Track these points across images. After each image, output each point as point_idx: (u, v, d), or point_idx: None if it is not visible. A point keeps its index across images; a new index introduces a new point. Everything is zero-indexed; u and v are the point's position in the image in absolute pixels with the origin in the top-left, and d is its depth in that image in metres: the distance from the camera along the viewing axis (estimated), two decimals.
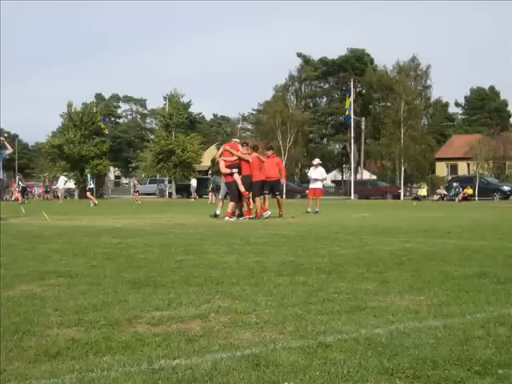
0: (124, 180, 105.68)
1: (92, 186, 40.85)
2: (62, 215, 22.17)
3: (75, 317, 4.80)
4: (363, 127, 70.09)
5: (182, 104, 71.63)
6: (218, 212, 19.67)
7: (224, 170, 18.84)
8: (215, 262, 8.05)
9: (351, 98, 60.36)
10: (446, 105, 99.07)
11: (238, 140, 20.89)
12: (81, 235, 12.63)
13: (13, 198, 53.96)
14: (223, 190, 20.10)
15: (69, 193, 61.80)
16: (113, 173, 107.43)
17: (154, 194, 71.58)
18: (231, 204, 18.65)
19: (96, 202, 37.16)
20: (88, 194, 38.97)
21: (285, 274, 6.99)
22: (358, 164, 75.36)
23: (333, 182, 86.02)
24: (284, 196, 47.07)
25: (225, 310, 5.10)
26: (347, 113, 60.80)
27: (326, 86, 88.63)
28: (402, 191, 60.52)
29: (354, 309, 5.09)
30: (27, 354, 3.80)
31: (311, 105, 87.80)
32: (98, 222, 17.91)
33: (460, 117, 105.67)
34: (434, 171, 76.06)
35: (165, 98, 72.57)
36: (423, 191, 59.33)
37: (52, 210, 26.40)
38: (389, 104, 69.31)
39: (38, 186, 71.82)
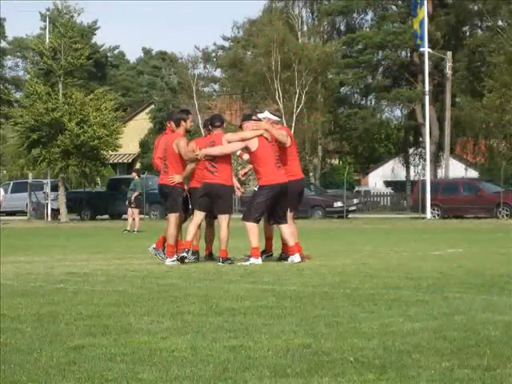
0: None
1: None
2: None
3: None
4: (448, 71, 38.98)
5: (79, 29, 44.29)
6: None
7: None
8: (148, 351, 5.03)
9: (424, 11, 34.87)
10: None
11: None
12: None
13: None
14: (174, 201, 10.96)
15: None
16: None
17: (22, 211, 42.90)
18: (190, 230, 10.94)
19: None
20: None
21: (291, 374, 4.32)
22: (438, 147, 43.67)
23: (387, 184, 53.40)
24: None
25: None
26: (418, 41, 36.10)
27: None
28: None
29: None
30: None
31: (342, 27, 49.12)
32: None
33: None
34: None
35: (43, 18, 45.25)
36: None
37: None
38: (501, 24, 41.52)
39: None
